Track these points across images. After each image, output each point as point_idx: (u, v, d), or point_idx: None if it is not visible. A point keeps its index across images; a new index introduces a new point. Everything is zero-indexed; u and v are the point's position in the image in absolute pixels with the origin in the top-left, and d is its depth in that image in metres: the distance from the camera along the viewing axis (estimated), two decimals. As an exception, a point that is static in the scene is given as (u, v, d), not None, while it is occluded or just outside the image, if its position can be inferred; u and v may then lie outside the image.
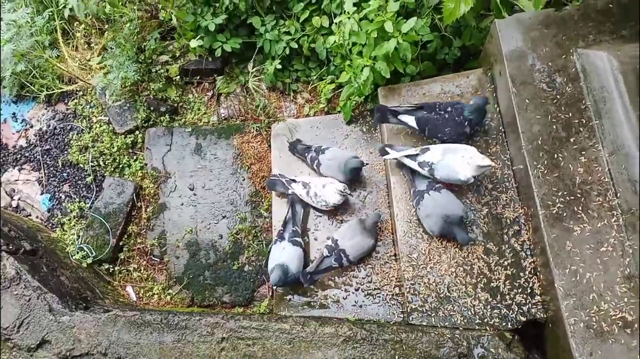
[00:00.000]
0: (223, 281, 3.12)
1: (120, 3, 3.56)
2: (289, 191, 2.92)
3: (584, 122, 2.38)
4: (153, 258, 3.23)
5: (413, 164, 2.64)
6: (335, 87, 3.33)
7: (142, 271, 3.19)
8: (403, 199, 2.70)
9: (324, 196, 2.77)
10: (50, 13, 3.61)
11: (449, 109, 2.63)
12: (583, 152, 2.35)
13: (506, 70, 2.52)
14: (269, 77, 3.43)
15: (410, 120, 2.70)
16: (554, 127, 2.40)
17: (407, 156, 2.65)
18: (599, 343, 2.13)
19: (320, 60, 3.43)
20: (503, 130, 2.69)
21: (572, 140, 2.38)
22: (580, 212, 2.28)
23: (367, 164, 2.95)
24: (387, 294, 2.74)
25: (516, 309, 2.43)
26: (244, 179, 3.32)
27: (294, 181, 2.93)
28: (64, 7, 3.36)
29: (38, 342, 2.37)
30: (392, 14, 2.59)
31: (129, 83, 3.41)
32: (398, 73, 2.98)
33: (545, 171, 2.35)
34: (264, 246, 3.14)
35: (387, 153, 2.73)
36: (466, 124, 2.58)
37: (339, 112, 3.23)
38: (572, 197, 2.30)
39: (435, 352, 2.20)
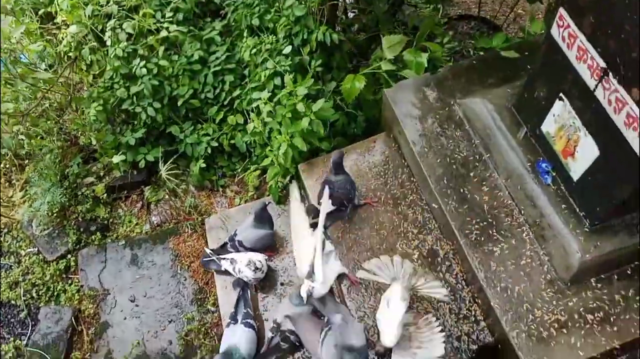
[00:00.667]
0: (180, 389, 2.99)
1: (38, 137, 3.68)
2: (222, 268, 3.00)
3: (478, 157, 2.72)
4: (102, 382, 3.05)
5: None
6: (260, 174, 3.54)
7: (91, 399, 2.99)
8: (342, 260, 2.83)
9: (244, 271, 2.86)
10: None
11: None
12: (484, 183, 2.65)
13: (403, 129, 2.87)
14: (195, 177, 3.59)
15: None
16: (454, 166, 2.72)
17: None
18: (543, 348, 2.27)
19: (241, 154, 3.67)
20: (414, 180, 2.97)
21: (471, 174, 2.69)
22: (495, 234, 2.52)
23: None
24: None
25: (466, 340, 2.54)
26: (185, 279, 3.32)
27: (224, 258, 3.00)
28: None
29: None
30: (302, 97, 2.92)
31: (56, 209, 3.43)
32: (315, 152, 3.27)
33: (457, 205, 2.62)
34: (217, 341, 3.09)
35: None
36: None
37: (268, 195, 3.41)
38: (485, 223, 2.56)
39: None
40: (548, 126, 2.38)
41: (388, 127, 3.14)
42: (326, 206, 2.72)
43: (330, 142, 3.35)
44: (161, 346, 3.10)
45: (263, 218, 3.03)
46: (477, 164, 2.71)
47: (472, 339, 2.54)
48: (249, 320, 2.75)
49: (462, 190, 2.66)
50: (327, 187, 2.75)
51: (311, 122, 2.90)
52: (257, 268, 2.86)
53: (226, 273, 3.05)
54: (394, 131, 3.06)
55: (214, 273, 3.18)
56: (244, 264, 2.87)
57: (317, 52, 3.31)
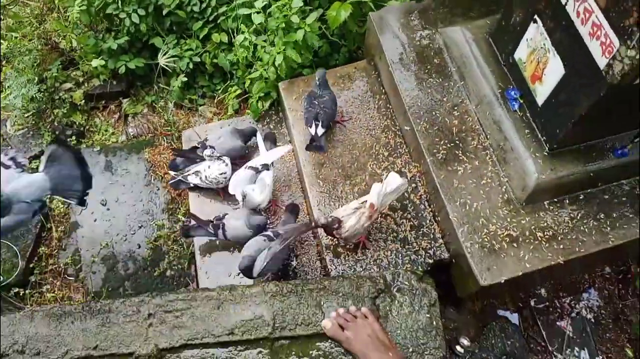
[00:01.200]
0: (145, 289, 3.07)
1: (17, 38, 3.62)
2: (190, 184, 3.04)
3: (452, 84, 2.82)
4: (67, 277, 3.11)
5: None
6: (241, 95, 3.58)
7: (56, 292, 3.05)
8: (312, 176, 2.92)
9: (210, 175, 2.94)
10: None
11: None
12: (455, 108, 2.76)
13: (384, 53, 2.93)
14: (175, 93, 3.61)
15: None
16: (429, 91, 2.81)
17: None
18: (494, 258, 2.42)
19: (223, 76, 3.70)
20: (390, 107, 3.06)
21: (444, 99, 2.79)
22: (461, 155, 2.64)
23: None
24: (310, 271, 2.89)
25: (423, 254, 2.68)
26: (158, 189, 3.37)
27: (188, 174, 3.05)
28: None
29: (-57, 353, 2.19)
30: (297, 10, 2.94)
31: (32, 108, 3.41)
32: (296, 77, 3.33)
33: (427, 127, 2.72)
34: (185, 248, 3.17)
35: None
36: None
37: (248, 115, 3.46)
38: (452, 144, 2.67)
39: (357, 292, 2.35)
40: (520, 53, 2.48)
41: (370, 54, 3.21)
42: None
43: (313, 70, 3.40)
44: (130, 249, 3.17)
45: (242, 133, 3.09)
46: (450, 90, 2.81)
47: (429, 254, 2.68)
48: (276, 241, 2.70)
49: (434, 113, 2.76)
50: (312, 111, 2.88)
51: (305, 34, 2.94)
52: (223, 171, 2.94)
53: (197, 188, 3.11)
54: (376, 57, 3.13)
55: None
56: (209, 168, 2.92)
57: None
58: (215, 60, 3.58)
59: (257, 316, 2.31)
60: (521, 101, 2.56)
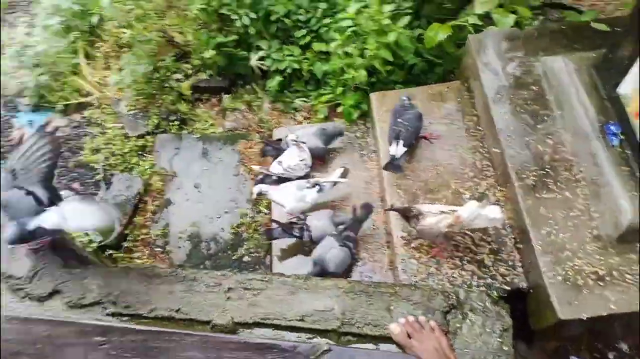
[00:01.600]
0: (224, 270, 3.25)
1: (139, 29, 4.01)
2: (274, 178, 3.22)
3: (548, 113, 2.80)
4: (156, 248, 3.37)
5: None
6: (330, 100, 3.73)
7: (144, 260, 3.31)
8: (394, 185, 2.99)
9: (292, 163, 3.11)
10: (77, 34, 4.04)
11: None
12: (549, 136, 2.74)
13: (480, 75, 2.98)
14: (271, 92, 3.84)
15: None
16: (523, 116, 2.81)
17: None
18: (576, 294, 2.36)
19: (317, 83, 3.88)
20: (480, 129, 3.08)
21: (539, 127, 2.78)
22: (551, 183, 2.61)
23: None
24: (380, 279, 2.94)
25: (500, 280, 2.66)
26: (246, 180, 3.58)
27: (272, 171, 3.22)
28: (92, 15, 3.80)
29: (49, 291, 2.46)
30: (389, 14, 3.07)
31: (144, 93, 3.76)
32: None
33: (518, 151, 2.72)
34: (264, 238, 3.34)
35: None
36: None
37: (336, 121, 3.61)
38: (542, 172, 2.65)
39: (428, 303, 2.38)
40: (625, 88, 2.44)
41: (465, 75, 3.25)
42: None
43: (405, 86, 3.50)
44: (214, 231, 3.38)
45: (325, 133, 3.24)
46: (546, 118, 2.79)
47: (506, 280, 2.65)
48: (349, 243, 2.88)
49: (526, 139, 2.75)
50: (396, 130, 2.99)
51: (399, 35, 3.05)
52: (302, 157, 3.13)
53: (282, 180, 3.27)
54: (470, 79, 3.17)
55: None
56: (289, 156, 3.10)
57: (410, -4, 3.44)
58: (311, 68, 3.78)
59: (328, 308, 2.40)
60: (621, 137, 2.50)
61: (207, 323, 2.38)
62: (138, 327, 2.31)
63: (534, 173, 2.66)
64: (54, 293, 2.47)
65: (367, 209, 3.02)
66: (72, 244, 2.89)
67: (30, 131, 3.92)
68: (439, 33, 3.16)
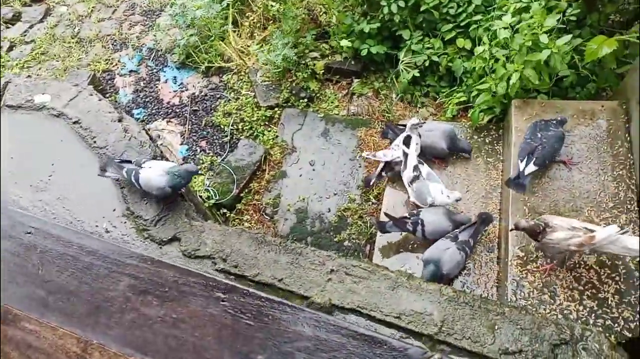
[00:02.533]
0: (323, 250, 3.29)
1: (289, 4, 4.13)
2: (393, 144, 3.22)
3: None
4: (265, 215, 3.50)
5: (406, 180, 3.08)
6: (463, 102, 3.58)
7: (253, 224, 3.46)
8: (519, 200, 2.80)
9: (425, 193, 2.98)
10: (230, 1, 4.26)
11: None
12: None
13: (646, 99, 2.65)
14: (402, 85, 3.76)
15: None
16: (690, 153, 2.46)
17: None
18: None
19: (452, 80, 3.73)
20: (631, 157, 2.76)
21: None
22: None
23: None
24: (482, 292, 2.79)
25: (622, 324, 2.39)
26: (360, 166, 3.58)
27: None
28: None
29: (169, 237, 2.66)
30: (548, 29, 2.84)
31: (282, 66, 3.88)
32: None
33: (677, 191, 2.39)
34: (367, 227, 3.32)
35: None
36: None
37: (465, 122, 3.45)
38: (702, 219, 2.31)
39: (537, 331, 2.20)
40: None
41: (625, 96, 2.92)
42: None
43: (549, 97, 3.23)
44: (320, 210, 3.43)
45: (455, 141, 3.12)
46: None
47: (628, 326, 2.38)
48: (466, 247, 2.81)
49: (689, 178, 2.41)
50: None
51: (551, 55, 2.81)
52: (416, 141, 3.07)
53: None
54: (632, 101, 2.84)
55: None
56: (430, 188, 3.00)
57: (579, 1, 3.14)
58: (450, 64, 3.63)
59: (428, 312, 2.32)
60: None
61: (306, 298, 2.42)
62: (258, 292, 2.41)
63: (691, 218, 2.32)
64: (173, 239, 2.67)
65: (487, 220, 2.86)
66: (194, 197, 3.11)
67: (172, 86, 4.25)
68: (603, 47, 2.85)
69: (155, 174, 2.63)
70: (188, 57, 4.32)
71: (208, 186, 3.51)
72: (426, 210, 2.91)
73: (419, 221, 2.87)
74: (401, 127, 3.31)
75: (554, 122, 2.79)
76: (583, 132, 2.92)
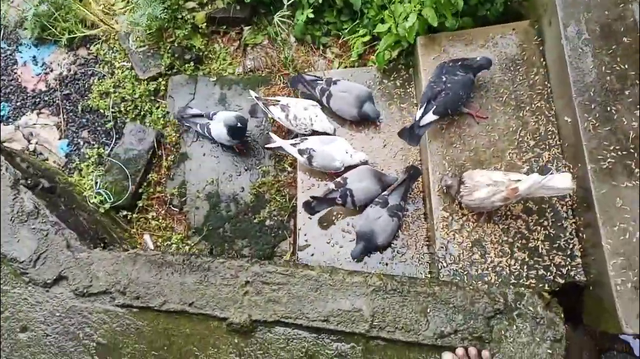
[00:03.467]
0: (243, 234, 3.02)
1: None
2: (269, 115, 2.95)
3: (641, 74, 2.22)
4: (172, 208, 3.13)
5: (294, 152, 2.73)
6: (369, 41, 3.19)
7: (160, 220, 3.09)
8: (438, 154, 2.57)
9: (304, 119, 2.79)
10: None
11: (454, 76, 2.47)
12: (638, 106, 2.20)
13: (558, 18, 2.36)
14: (299, 28, 3.29)
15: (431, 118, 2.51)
16: (608, 78, 2.25)
17: (291, 144, 2.78)
18: (648, 305, 2.00)
19: (353, 13, 3.29)
20: (549, 85, 2.54)
21: (627, 93, 2.23)
22: (634, 167, 2.13)
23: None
24: (414, 254, 2.63)
25: (554, 271, 2.31)
26: (268, 131, 3.20)
27: (273, 104, 2.91)
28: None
29: (55, 277, 2.28)
30: None
31: (155, 26, 3.29)
32: (435, 29, 2.84)
33: (597, 124, 2.21)
34: (287, 200, 3.03)
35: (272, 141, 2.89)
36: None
37: (373, 65, 3.08)
38: (624, 152, 2.16)
39: (470, 307, 2.09)
40: None
41: (536, 14, 2.63)
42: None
43: (457, 20, 2.88)
44: (233, 191, 3.09)
45: (359, 99, 2.80)
46: (637, 81, 2.23)
47: (560, 272, 2.30)
48: (399, 212, 2.59)
49: (609, 108, 2.22)
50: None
51: None
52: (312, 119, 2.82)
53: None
54: (543, 20, 2.56)
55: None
56: (306, 111, 2.77)
57: None
58: (347, -5, 3.17)
59: (356, 308, 2.13)
60: None
61: (223, 319, 2.18)
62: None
63: (613, 154, 2.17)
64: (59, 278, 2.30)
65: (415, 174, 2.65)
66: (85, 206, 2.69)
67: (33, 68, 3.57)
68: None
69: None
70: (44, 30, 3.58)
71: (99, 188, 3.05)
72: (352, 177, 2.65)
73: (347, 192, 2.62)
74: (313, 77, 2.94)
75: (464, 64, 2.47)
76: (496, 64, 2.64)
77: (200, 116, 3.04)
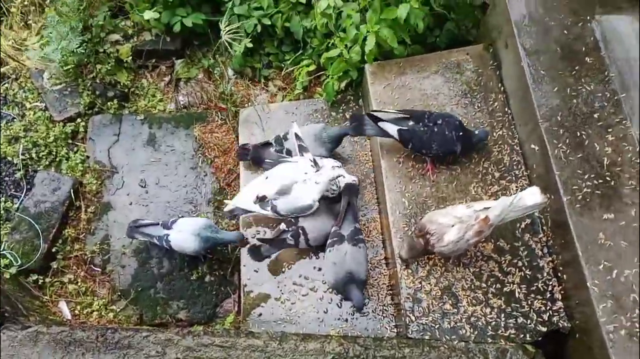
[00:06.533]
0: (179, 295, 2.59)
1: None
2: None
3: (608, 95, 2.07)
4: (93, 268, 2.66)
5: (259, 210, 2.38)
6: (314, 71, 2.94)
7: (79, 284, 2.62)
8: (396, 191, 2.29)
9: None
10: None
11: (440, 121, 2.21)
12: (609, 130, 2.02)
13: (516, 39, 2.20)
14: (237, 59, 3.01)
15: (393, 130, 2.24)
16: (575, 101, 2.08)
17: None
18: (646, 355, 1.74)
19: (295, 43, 3.05)
20: (509, 111, 2.34)
21: (595, 116, 2.05)
22: (614, 198, 1.93)
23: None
24: (377, 306, 2.31)
25: (535, 318, 2.04)
26: (205, 175, 2.84)
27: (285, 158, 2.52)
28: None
29: None
30: None
31: (72, 62, 2.91)
32: (384, 55, 2.64)
33: (568, 151, 2.01)
34: (229, 251, 2.65)
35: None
36: (457, 141, 2.20)
37: (320, 97, 2.83)
38: (600, 181, 1.96)
39: (447, 371, 1.76)
40: None
41: (489, 37, 2.47)
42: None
43: (406, 48, 2.69)
44: (166, 244, 2.67)
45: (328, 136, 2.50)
46: (605, 103, 2.06)
47: (541, 319, 2.04)
48: (360, 236, 2.26)
49: (578, 133, 2.03)
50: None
51: (411, 11, 2.24)
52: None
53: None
54: (498, 43, 2.39)
55: (241, 168, 2.67)
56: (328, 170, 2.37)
57: None
58: (287, 24, 2.93)
59: (312, 384, 1.77)
60: None
61: (146, 414, 1.75)
62: None
63: (589, 183, 1.96)
64: None
65: (353, 190, 2.39)
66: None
67: None
68: (453, -24, 2.36)
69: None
70: (-59, 69, 3.12)
71: (3, 249, 2.56)
72: (302, 217, 2.33)
73: (300, 231, 2.31)
74: (262, 143, 2.62)
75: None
76: (452, 90, 2.44)
77: (155, 224, 2.54)
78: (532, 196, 1.90)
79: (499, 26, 2.34)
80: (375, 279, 2.37)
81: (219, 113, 2.97)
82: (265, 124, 2.76)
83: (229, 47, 2.74)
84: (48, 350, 1.82)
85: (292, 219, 2.36)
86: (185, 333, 1.84)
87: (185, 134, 2.92)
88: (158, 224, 2.52)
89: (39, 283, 2.59)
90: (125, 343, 1.82)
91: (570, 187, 1.96)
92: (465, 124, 2.26)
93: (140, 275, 2.63)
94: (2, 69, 3.12)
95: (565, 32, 2.17)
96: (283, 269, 2.41)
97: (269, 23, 2.91)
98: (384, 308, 2.32)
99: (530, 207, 1.93)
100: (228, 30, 2.70)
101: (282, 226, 2.38)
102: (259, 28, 2.90)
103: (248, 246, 2.41)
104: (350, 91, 2.82)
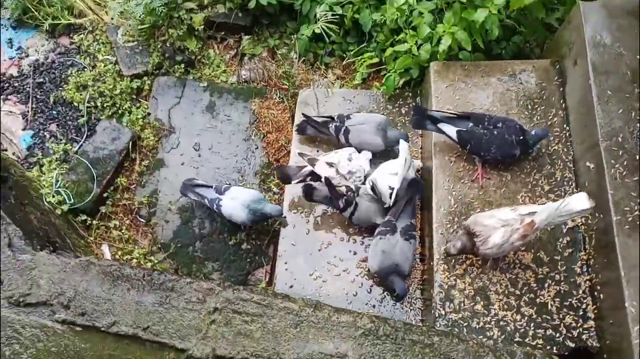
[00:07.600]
0: (215, 257, 2.69)
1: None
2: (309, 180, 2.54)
3: (676, 123, 2.06)
4: (139, 218, 2.79)
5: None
6: (374, 64, 3.00)
7: (123, 231, 2.74)
8: (444, 189, 2.33)
9: (357, 167, 2.41)
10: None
11: (500, 124, 2.25)
12: (669, 159, 2.02)
13: (587, 57, 2.21)
14: (302, 43, 3.09)
15: (451, 131, 2.29)
16: (638, 125, 2.08)
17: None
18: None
19: (360, 35, 3.12)
20: (567, 128, 2.36)
21: (659, 141, 2.05)
22: (663, 224, 1.92)
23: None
24: (406, 298, 2.35)
25: (564, 332, 2.05)
26: (256, 148, 2.93)
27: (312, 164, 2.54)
28: None
29: (-14, 280, 1.91)
30: None
31: (149, 22, 3.04)
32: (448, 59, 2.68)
33: (625, 172, 2.01)
34: (269, 224, 2.73)
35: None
36: (517, 145, 2.23)
37: (380, 89, 2.88)
38: (654, 206, 1.96)
39: (473, 365, 1.79)
40: None
41: (558, 53, 2.48)
42: None
43: (470, 54, 2.72)
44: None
45: (389, 136, 2.55)
46: (668, 132, 2.06)
47: (571, 334, 2.05)
48: (412, 232, 2.31)
49: (637, 157, 2.03)
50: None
51: (488, 16, 2.29)
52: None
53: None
54: (566, 60, 2.41)
55: (293, 147, 2.75)
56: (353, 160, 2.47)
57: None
58: (356, 16, 3.00)
59: (341, 353, 1.82)
60: None
61: (182, 351, 1.83)
62: None
63: (642, 207, 1.96)
64: (-8, 282, 1.92)
65: (417, 187, 2.40)
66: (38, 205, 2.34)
67: (6, 51, 3.25)
68: (531, -8, 2.39)
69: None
70: (25, 13, 3.30)
71: (59, 187, 2.70)
72: (362, 194, 2.40)
73: (354, 202, 2.37)
74: (325, 119, 2.67)
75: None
76: (511, 98, 2.46)
77: (208, 186, 2.63)
78: (580, 202, 1.91)
79: (570, 42, 2.36)
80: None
81: (277, 91, 3.06)
82: (322, 106, 2.83)
83: (324, 34, 2.86)
84: (96, 280, 1.92)
85: (353, 193, 2.40)
86: (226, 286, 1.92)
87: (243, 107, 3.02)
88: (211, 187, 2.61)
89: (87, 224, 2.72)
90: (169, 285, 1.91)
91: (622, 208, 1.96)
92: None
93: (182, 232, 2.73)
94: (79, 21, 3.29)
95: (637, 57, 2.18)
96: (319, 247, 2.47)
97: (340, 12, 2.98)
98: (413, 301, 2.36)
99: (577, 213, 1.95)
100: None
101: (343, 188, 2.42)
102: (328, 15, 2.98)
103: (304, 184, 2.46)
104: (407, 89, 2.87)
